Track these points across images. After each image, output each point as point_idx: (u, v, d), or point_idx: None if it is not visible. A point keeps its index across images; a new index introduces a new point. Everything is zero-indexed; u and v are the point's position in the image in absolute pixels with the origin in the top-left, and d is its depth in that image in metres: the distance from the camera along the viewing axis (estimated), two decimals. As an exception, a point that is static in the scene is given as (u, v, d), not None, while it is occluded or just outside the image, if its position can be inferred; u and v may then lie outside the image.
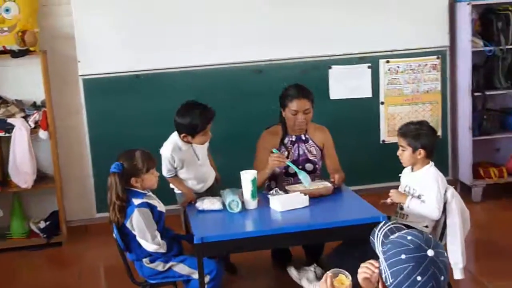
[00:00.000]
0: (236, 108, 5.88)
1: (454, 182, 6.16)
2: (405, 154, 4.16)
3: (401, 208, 4.19)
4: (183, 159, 4.40)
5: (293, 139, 4.68)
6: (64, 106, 5.82)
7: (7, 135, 5.52)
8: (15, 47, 5.39)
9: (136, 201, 3.88)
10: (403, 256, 2.11)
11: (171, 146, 4.42)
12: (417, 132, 4.12)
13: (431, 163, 4.17)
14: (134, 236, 3.90)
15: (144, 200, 3.92)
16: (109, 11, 5.68)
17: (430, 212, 3.99)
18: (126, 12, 5.71)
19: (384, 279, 2.17)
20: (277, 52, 5.90)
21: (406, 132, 4.16)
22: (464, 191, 6.10)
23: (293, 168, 4.47)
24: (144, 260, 3.94)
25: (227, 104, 5.83)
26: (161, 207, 4.02)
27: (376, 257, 2.45)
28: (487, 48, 6.02)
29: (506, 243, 5.20)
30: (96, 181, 5.83)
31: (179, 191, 4.54)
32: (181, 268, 3.94)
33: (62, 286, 4.98)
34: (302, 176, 4.42)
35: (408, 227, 4.01)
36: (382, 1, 6.02)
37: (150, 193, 4.04)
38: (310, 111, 4.61)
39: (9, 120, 5.49)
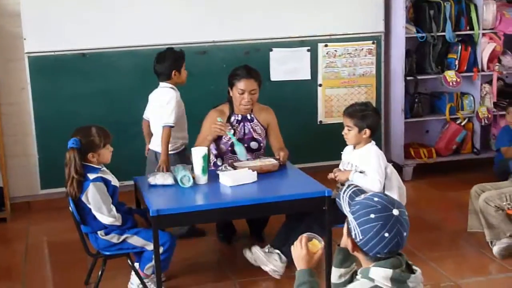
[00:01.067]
0: (182, 88, 5.99)
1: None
2: (350, 133, 4.37)
3: (342, 184, 4.41)
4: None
5: (239, 118, 4.86)
6: (9, 84, 5.84)
7: (-49, 111, 5.52)
8: (-39, 24, 5.39)
9: (91, 176, 4.01)
10: (372, 216, 2.34)
11: (175, 92, 4.85)
12: (363, 113, 4.34)
13: (373, 142, 4.43)
14: (90, 209, 4.03)
15: (99, 175, 4.05)
16: (55, -11, 5.71)
17: (372, 183, 4.21)
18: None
19: (353, 236, 2.39)
20: (221, 33, 6.06)
21: (352, 112, 4.37)
22: (396, 170, 6.38)
23: (232, 139, 4.66)
24: (99, 232, 4.06)
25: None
26: (115, 182, 4.15)
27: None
28: (420, 35, 6.32)
29: (435, 218, 5.53)
30: (40, 158, 5.89)
31: (157, 151, 4.77)
32: (136, 240, 4.08)
33: (8, 262, 5.03)
34: (239, 147, 4.64)
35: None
36: (322, -12, 6.24)
37: (104, 168, 4.17)
38: (256, 92, 4.80)
39: (-46, 97, 5.49)
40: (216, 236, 5.16)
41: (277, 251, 4.36)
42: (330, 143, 6.23)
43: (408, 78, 6.39)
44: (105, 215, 3.98)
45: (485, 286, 4.37)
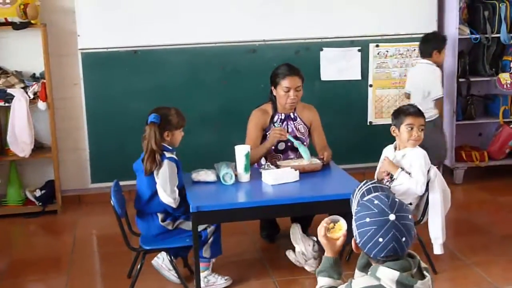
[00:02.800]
0: (230, 86, 6.06)
1: (437, 164, 6.37)
2: (422, 133, 4.33)
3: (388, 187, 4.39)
4: None
5: (282, 117, 4.87)
6: (62, 79, 5.97)
7: (6, 105, 5.66)
8: (17, 19, 5.53)
9: (167, 154, 4.13)
10: (367, 220, 2.33)
11: (435, 67, 5.70)
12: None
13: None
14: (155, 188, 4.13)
15: (174, 155, 4.17)
16: (109, -13, 5.83)
17: (416, 186, 4.18)
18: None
19: (355, 237, 2.40)
20: (271, 32, 6.07)
21: (421, 112, 4.35)
22: (447, 173, 6.32)
23: (293, 142, 4.66)
24: (160, 216, 4.16)
25: (221, 81, 6.02)
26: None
27: None
28: (473, 36, 6.22)
29: (483, 221, 5.44)
30: (91, 153, 6.00)
31: None
32: (188, 225, 4.15)
33: (57, 253, 5.14)
34: (302, 149, 4.64)
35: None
36: (374, -12, 6.20)
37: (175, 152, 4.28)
38: (301, 89, 4.80)
39: (9, 91, 5.63)
40: (259, 234, 5.18)
41: (314, 238, 4.36)
42: (380, 144, 6.17)
43: (461, 79, 6.29)
44: (167, 193, 4.07)
45: (530, 293, 4.28)
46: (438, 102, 5.78)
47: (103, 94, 5.93)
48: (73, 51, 5.87)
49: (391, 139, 4.48)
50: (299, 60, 5.59)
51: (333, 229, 2.61)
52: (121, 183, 4.48)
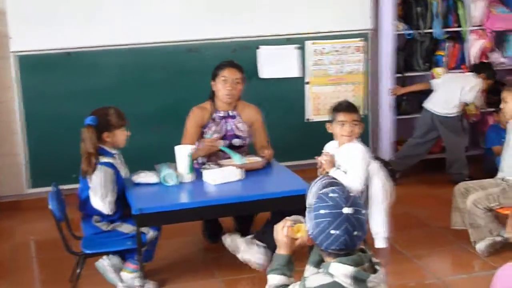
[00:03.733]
0: (170, 86, 6.00)
1: (375, 159, 6.43)
2: (356, 128, 4.36)
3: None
4: None
5: (222, 115, 4.85)
6: (-6, 82, 5.82)
7: None
8: None
9: (103, 159, 4.08)
10: (321, 211, 2.36)
11: None
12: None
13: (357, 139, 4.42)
14: None
15: (111, 160, 4.10)
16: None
17: (352, 182, 4.16)
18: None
19: (308, 228, 2.42)
20: (210, 31, 6.03)
21: (354, 108, 4.39)
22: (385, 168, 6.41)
23: (227, 152, 4.64)
24: (94, 217, 4.12)
25: (160, 82, 5.98)
26: (125, 173, 4.24)
27: None
28: (408, 32, 6.32)
29: (422, 215, 5.53)
30: (30, 157, 5.86)
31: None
32: (125, 227, 4.12)
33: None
34: (237, 158, 4.59)
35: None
36: (310, -16, 6.23)
37: (117, 156, 4.23)
38: (240, 82, 4.79)
39: None
40: (202, 234, 5.14)
41: (262, 244, 4.32)
42: (318, 141, 6.21)
43: (396, 75, 6.39)
44: (98, 199, 4.02)
45: (469, 283, 4.36)
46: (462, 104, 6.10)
47: (39, 97, 5.79)
48: (5, 54, 5.71)
49: (329, 136, 4.52)
50: (236, 59, 5.54)
51: (292, 228, 2.62)
52: (62, 186, 4.41)
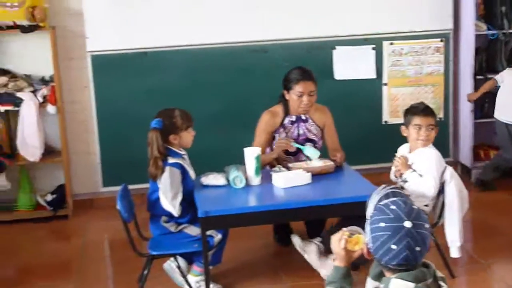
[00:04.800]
0: (241, 87, 5.96)
1: (454, 163, 6.23)
2: (433, 133, 4.23)
3: (402, 188, 4.27)
4: None
5: (294, 119, 4.77)
6: (72, 82, 5.89)
7: (16, 109, 5.59)
8: (25, 23, 5.46)
9: (171, 160, 4.06)
10: (382, 224, 2.23)
11: None
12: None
13: (431, 144, 4.27)
14: None
15: (179, 161, 4.08)
16: (117, -12, 5.75)
17: (427, 188, 4.07)
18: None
19: (367, 241, 2.30)
20: (283, 32, 5.95)
21: (432, 111, 4.25)
22: (464, 173, 6.20)
23: (299, 147, 4.56)
24: (163, 218, 4.11)
25: (232, 82, 5.94)
26: (192, 174, 4.19)
27: None
28: (490, 32, 6.07)
29: (501, 223, 5.29)
30: (102, 156, 5.93)
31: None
32: (192, 230, 4.09)
33: (66, 258, 5.06)
34: (309, 151, 4.53)
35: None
36: (388, -16, 6.07)
37: (186, 157, 4.22)
38: (315, 93, 4.69)
39: (18, 94, 5.57)
40: (273, 237, 5.07)
41: (318, 238, 4.26)
42: (395, 144, 6.05)
43: (478, 77, 6.15)
44: (168, 200, 4.01)
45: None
46: None
47: (113, 96, 5.85)
48: (82, 54, 5.79)
49: (406, 139, 4.38)
50: (311, 59, 5.50)
51: (350, 240, 2.50)
52: (133, 186, 4.44)
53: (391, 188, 2.44)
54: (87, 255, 5.08)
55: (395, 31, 6.11)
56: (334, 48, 6.04)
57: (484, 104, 6.25)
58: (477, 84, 6.16)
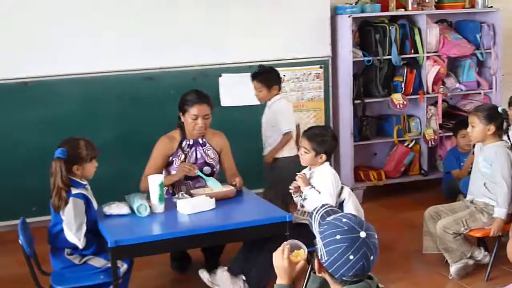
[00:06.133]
0: (128, 116, 5.90)
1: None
2: (306, 156, 4.37)
3: (302, 206, 4.40)
4: None
5: (191, 143, 4.78)
6: None
7: None
8: None
9: (74, 191, 3.94)
10: (338, 237, 2.30)
11: None
12: (323, 138, 4.35)
13: (327, 162, 4.41)
14: None
15: (82, 191, 3.97)
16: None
17: (326, 201, 4.07)
18: (12, 15, 5.59)
19: (320, 257, 2.35)
20: (168, 60, 5.98)
21: (312, 136, 4.36)
22: (347, 193, 6.42)
23: (202, 177, 4.57)
24: (66, 250, 3.98)
25: (118, 111, 5.87)
26: (95, 203, 4.10)
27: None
28: (366, 58, 6.38)
29: (387, 239, 5.49)
30: (-16, 190, 5.66)
31: None
32: (97, 261, 4.00)
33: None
34: (211, 182, 4.55)
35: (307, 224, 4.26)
36: (269, 15, 6.25)
37: (88, 187, 4.11)
38: (209, 117, 4.73)
39: None
40: (170, 265, 5.03)
41: (243, 277, 4.25)
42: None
43: (356, 101, 6.43)
44: (72, 232, 3.88)
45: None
46: None
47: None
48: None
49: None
50: (197, 87, 5.49)
51: (292, 255, 2.55)
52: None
53: (329, 207, 2.52)
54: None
55: (278, 58, 6.28)
56: (220, 76, 6.12)
57: (362, 127, 6.52)
58: (355, 108, 6.42)
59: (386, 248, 5.31)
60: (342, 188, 4.38)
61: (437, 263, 4.84)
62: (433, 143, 6.62)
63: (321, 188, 4.30)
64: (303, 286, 3.94)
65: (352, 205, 4.33)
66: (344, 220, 2.33)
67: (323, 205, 2.53)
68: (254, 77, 5.42)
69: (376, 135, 6.74)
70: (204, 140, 4.81)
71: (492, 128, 4.66)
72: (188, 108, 4.68)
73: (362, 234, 2.28)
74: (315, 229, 2.43)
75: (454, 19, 6.97)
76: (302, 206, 4.40)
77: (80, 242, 3.90)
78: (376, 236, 2.33)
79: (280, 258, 2.54)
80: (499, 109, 4.75)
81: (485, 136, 4.70)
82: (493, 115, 4.69)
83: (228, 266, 4.36)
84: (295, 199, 4.50)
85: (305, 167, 4.51)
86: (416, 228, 5.48)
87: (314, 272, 2.50)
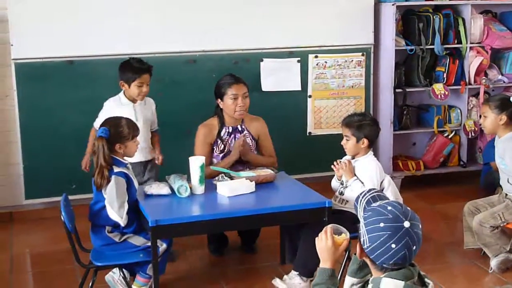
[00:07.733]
0: (170, 98, 5.90)
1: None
2: (349, 143, 4.36)
3: (341, 193, 4.40)
4: (121, 113, 4.42)
5: (230, 130, 4.81)
6: (-8, 90, 5.69)
7: None
8: None
9: (116, 169, 4.00)
10: (381, 224, 2.30)
11: (113, 98, 4.84)
12: (360, 123, 4.34)
13: (371, 153, 4.41)
14: None
15: (124, 170, 4.03)
16: (43, -5, 5.60)
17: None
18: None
19: (362, 242, 2.37)
20: (211, 43, 5.98)
21: (350, 122, 4.36)
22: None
23: (232, 174, 4.53)
24: (107, 228, 4.03)
25: (160, 93, 5.88)
26: (136, 183, 4.15)
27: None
28: (409, 47, 6.33)
29: (423, 229, 5.48)
30: (25, 168, 5.73)
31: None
32: (136, 240, 4.04)
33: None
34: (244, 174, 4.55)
35: (346, 212, 4.27)
36: (312, 1, 6.20)
37: (129, 166, 4.18)
38: (248, 96, 4.77)
39: None
40: (207, 248, 5.07)
41: (296, 273, 4.26)
42: (319, 155, 6.22)
43: (397, 90, 6.39)
44: (114, 210, 3.93)
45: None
46: None
47: (38, 106, 5.67)
48: (6, 61, 5.61)
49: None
50: (238, 71, 5.51)
51: (335, 237, 2.58)
52: (57, 198, 4.30)
53: (376, 192, 2.52)
54: (16, 269, 4.88)
55: (320, 44, 6.26)
56: (262, 60, 6.13)
57: (403, 117, 6.49)
58: (396, 97, 6.39)
59: (422, 239, 5.30)
60: (384, 176, 4.39)
61: (475, 255, 4.81)
62: (473, 134, 6.55)
63: (365, 179, 4.31)
64: (340, 271, 3.98)
65: (391, 194, 4.33)
66: (389, 208, 2.33)
67: (369, 190, 2.54)
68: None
69: (416, 125, 6.70)
70: (243, 126, 4.83)
71: (503, 117, 4.63)
72: (225, 90, 4.71)
73: (406, 224, 2.29)
74: (360, 214, 2.44)
75: (499, 10, 6.86)
76: (341, 193, 4.41)
77: (122, 220, 3.95)
78: (420, 226, 2.33)
79: (323, 239, 2.56)
80: (511, 99, 4.69)
81: (497, 126, 4.68)
82: (504, 105, 4.66)
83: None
84: (333, 183, 4.50)
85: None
86: (452, 220, 5.48)
87: (354, 254, 2.52)
